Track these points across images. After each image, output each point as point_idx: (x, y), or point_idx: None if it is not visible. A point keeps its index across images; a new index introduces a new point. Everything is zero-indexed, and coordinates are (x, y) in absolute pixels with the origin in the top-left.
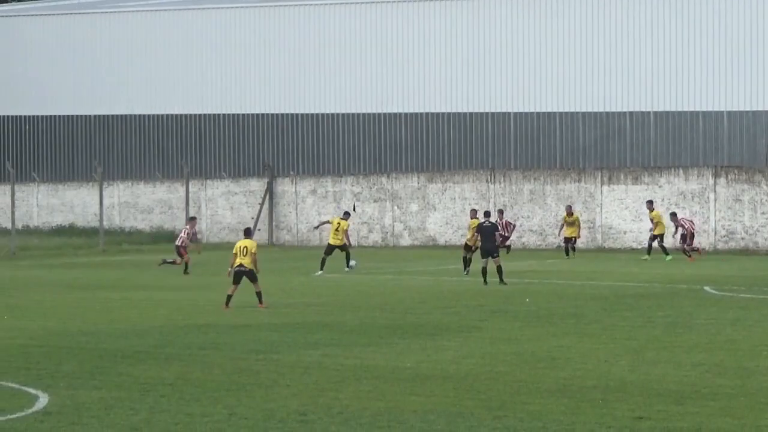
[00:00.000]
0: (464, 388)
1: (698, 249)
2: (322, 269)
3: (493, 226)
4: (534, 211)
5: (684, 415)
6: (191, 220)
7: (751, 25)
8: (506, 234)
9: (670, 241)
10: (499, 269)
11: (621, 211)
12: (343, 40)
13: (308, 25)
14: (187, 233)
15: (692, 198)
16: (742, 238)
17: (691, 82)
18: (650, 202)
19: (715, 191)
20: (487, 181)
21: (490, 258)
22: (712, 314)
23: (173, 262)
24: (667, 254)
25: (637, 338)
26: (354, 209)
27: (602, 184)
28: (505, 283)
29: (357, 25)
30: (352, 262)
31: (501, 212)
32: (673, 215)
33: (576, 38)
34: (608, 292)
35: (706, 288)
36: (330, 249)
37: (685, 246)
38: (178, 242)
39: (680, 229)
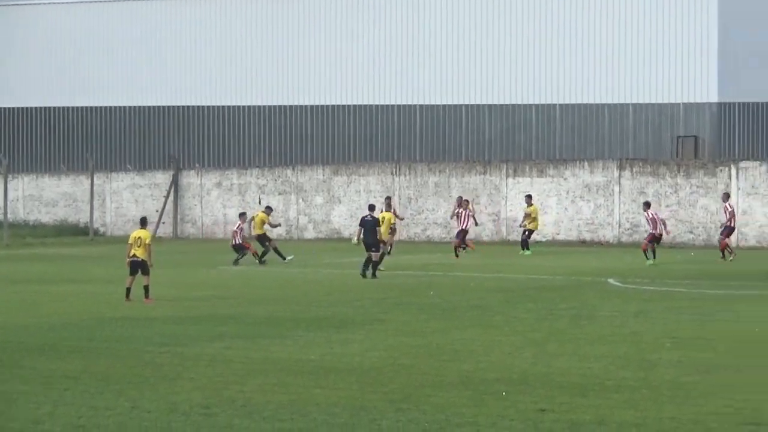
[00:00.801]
0: (367, 381)
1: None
2: (283, 259)
3: (374, 221)
4: (439, 203)
5: (587, 408)
6: (241, 216)
7: (656, 19)
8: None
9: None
10: (374, 264)
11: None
12: (248, 33)
13: (212, 17)
14: (240, 228)
15: (597, 191)
16: (647, 231)
17: (596, 75)
18: (529, 197)
19: (619, 184)
20: (392, 173)
21: (370, 251)
22: (616, 306)
23: (242, 256)
24: (528, 249)
25: (540, 330)
26: (260, 202)
27: (507, 176)
28: (376, 277)
29: (262, 18)
30: (290, 257)
31: (388, 199)
32: (463, 200)
33: (482, 31)
34: (512, 285)
35: (610, 280)
36: (259, 238)
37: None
38: (233, 242)
39: (463, 224)
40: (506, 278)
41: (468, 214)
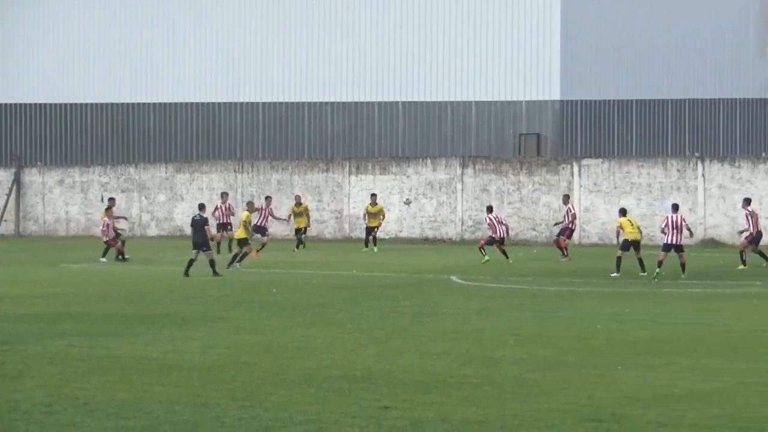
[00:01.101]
0: (210, 379)
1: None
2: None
3: (203, 220)
4: (281, 201)
5: (430, 405)
6: (107, 210)
7: (498, 16)
8: (226, 221)
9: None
10: (212, 263)
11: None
12: (88, 29)
13: (51, 13)
14: (106, 224)
15: (440, 188)
16: (489, 228)
17: (439, 73)
18: (374, 195)
19: (462, 181)
20: (235, 171)
21: (201, 251)
22: (459, 304)
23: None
24: (375, 245)
25: (383, 328)
26: (102, 200)
27: (350, 174)
28: (218, 275)
29: (103, 13)
30: (103, 259)
31: (224, 195)
32: (268, 199)
33: (324, 28)
34: (355, 282)
35: (453, 278)
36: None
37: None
38: (104, 238)
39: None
40: (349, 275)
41: (267, 211)
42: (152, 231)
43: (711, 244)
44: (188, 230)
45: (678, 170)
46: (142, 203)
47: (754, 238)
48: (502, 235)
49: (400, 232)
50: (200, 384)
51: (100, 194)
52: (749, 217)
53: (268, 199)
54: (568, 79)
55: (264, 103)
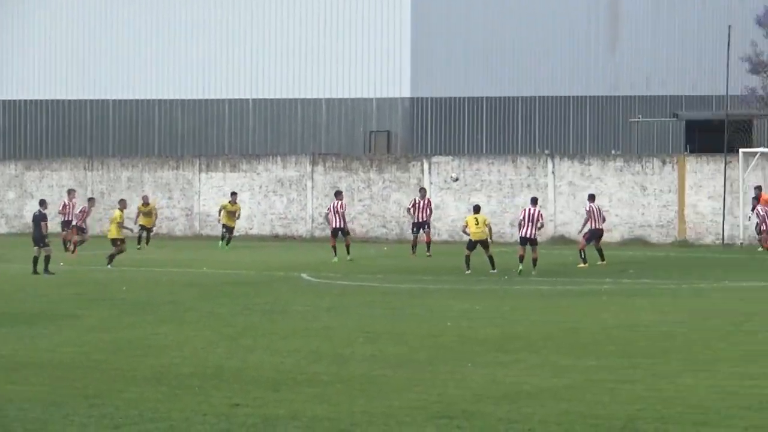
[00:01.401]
0: (60, 377)
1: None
2: None
3: (41, 216)
4: (132, 198)
5: (280, 402)
6: None
7: (349, 14)
8: (70, 218)
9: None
10: (47, 259)
11: (219, 199)
12: None
13: None
14: None
15: (290, 185)
16: (326, 221)
17: (289, 70)
18: (234, 194)
19: (312, 179)
20: (85, 168)
21: (39, 247)
22: (309, 301)
23: None
24: (228, 244)
25: (234, 325)
26: None
27: (200, 171)
28: (51, 273)
29: None
30: None
31: (71, 192)
32: (70, 193)
33: (173, 24)
34: (206, 280)
35: (303, 275)
36: None
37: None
38: None
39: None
40: (200, 273)
41: (71, 205)
42: (2, 228)
43: (561, 241)
44: None
45: (528, 167)
46: None
47: (593, 234)
48: (336, 226)
49: (251, 229)
50: (50, 382)
51: None
52: (590, 213)
53: (70, 192)
54: (418, 76)
55: (114, 101)
